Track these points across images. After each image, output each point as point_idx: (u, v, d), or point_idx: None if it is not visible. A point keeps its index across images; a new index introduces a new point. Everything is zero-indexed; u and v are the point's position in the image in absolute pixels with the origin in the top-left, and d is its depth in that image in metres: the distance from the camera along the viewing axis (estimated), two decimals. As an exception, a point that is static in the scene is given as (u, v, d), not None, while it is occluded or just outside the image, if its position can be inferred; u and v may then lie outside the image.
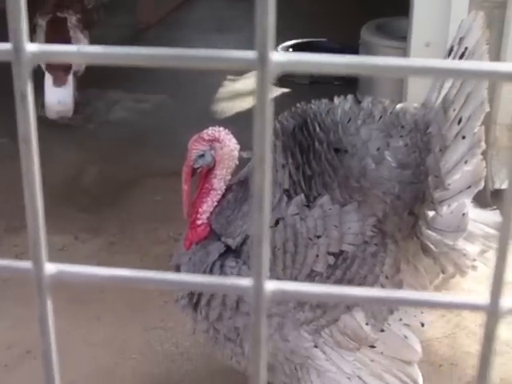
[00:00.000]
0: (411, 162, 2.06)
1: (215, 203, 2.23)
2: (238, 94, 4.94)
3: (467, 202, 2.06)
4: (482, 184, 2.06)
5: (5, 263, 0.46)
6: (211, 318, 2.17)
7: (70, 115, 4.43)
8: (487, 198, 3.38)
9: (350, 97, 2.16)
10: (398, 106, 2.16)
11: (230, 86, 5.36)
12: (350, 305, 2.11)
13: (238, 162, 2.23)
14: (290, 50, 5.62)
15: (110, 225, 3.61)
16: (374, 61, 0.36)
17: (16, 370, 2.74)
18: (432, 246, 2.06)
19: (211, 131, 2.20)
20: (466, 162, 2.02)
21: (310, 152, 2.09)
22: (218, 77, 5.38)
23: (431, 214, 2.05)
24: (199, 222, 2.22)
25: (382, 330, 2.14)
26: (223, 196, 2.24)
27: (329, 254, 2.06)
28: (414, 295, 0.41)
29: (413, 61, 0.37)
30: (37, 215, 0.46)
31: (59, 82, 4.35)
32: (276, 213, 2.09)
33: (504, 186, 3.36)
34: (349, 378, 2.16)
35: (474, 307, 0.41)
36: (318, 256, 2.07)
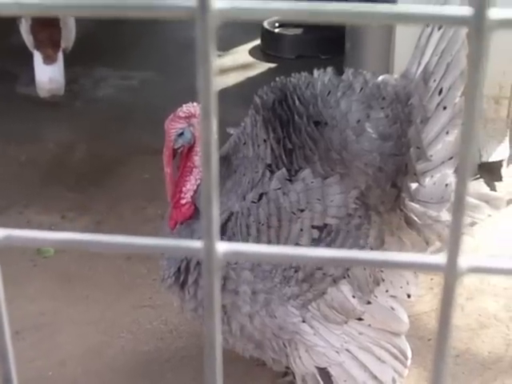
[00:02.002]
0: (392, 134, 2.04)
1: (198, 181, 2.21)
2: (224, 69, 4.91)
3: (450, 173, 2.05)
4: None
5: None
6: (199, 297, 2.15)
7: (61, 93, 4.38)
8: (475, 171, 3.37)
9: (329, 69, 2.15)
10: (380, 77, 2.15)
11: (216, 62, 5.31)
12: (335, 278, 2.11)
13: (216, 136, 2.20)
14: None
15: (97, 203, 3.59)
16: (321, 6, 0.34)
17: (4, 350, 2.73)
18: (416, 219, 2.06)
19: (186, 108, 2.17)
20: (447, 133, 2.02)
21: (290, 125, 2.07)
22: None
23: (414, 185, 2.05)
24: (183, 201, 2.20)
25: (369, 302, 2.15)
26: None
27: (313, 227, 2.05)
28: (370, 255, 0.39)
29: (359, 6, 0.35)
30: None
31: (49, 60, 4.29)
32: (259, 188, 2.08)
33: (491, 159, 3.34)
34: (337, 352, 2.16)
35: (431, 267, 0.39)
36: (302, 230, 2.06)
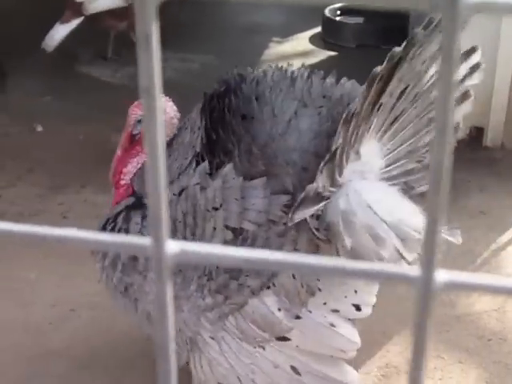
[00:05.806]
0: (321, 133, 1.91)
1: (139, 165, 2.15)
2: (284, 56, 4.85)
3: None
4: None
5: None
6: (106, 263, 2.08)
7: (50, 50, 4.49)
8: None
9: (275, 66, 2.08)
10: (341, 80, 2.03)
11: (276, 48, 5.28)
12: (254, 289, 1.92)
13: (176, 132, 2.13)
14: None
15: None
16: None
17: (60, 328, 2.73)
18: None
19: None
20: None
21: (219, 117, 1.99)
22: (264, 37, 5.30)
23: None
24: (122, 183, 2.17)
25: (298, 317, 1.93)
26: None
27: (227, 228, 1.89)
28: (333, 262, 0.35)
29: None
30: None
31: (63, 19, 4.50)
32: (183, 179, 1.97)
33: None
34: (239, 379, 2.00)
35: (403, 278, 0.35)
36: (215, 229, 1.90)
